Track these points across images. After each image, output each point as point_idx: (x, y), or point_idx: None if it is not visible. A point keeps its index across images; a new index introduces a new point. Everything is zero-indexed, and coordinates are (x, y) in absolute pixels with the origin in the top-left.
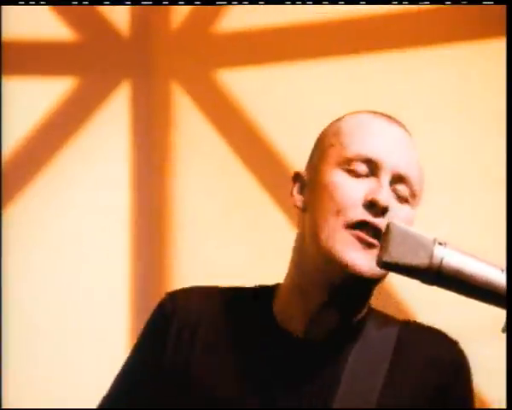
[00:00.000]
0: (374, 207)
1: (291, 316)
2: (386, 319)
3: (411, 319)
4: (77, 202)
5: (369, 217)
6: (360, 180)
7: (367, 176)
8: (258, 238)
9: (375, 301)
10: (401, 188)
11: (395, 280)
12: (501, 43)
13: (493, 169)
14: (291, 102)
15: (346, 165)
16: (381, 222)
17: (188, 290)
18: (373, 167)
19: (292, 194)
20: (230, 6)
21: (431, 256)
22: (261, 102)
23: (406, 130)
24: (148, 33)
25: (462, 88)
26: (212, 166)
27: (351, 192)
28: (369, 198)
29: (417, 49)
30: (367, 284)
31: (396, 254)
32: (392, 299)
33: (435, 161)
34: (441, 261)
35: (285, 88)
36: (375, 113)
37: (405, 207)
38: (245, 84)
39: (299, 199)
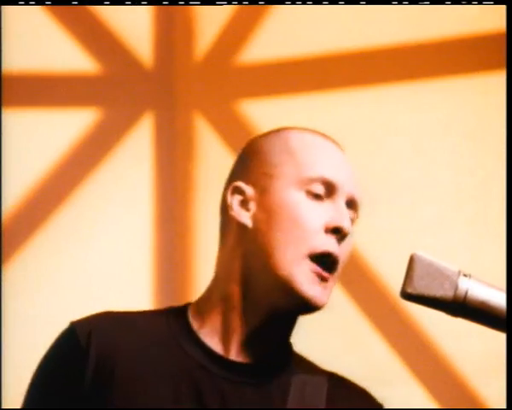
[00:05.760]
0: (337, 233)
1: (223, 336)
2: (312, 365)
3: (334, 372)
4: (100, 235)
5: (331, 247)
6: (319, 203)
7: (322, 198)
8: None
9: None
10: (351, 212)
11: (415, 309)
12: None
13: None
14: None
15: (305, 185)
16: (339, 250)
17: (98, 318)
18: (330, 190)
19: (230, 207)
20: (251, 36)
21: (456, 288)
22: None
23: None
24: (171, 65)
25: (474, 119)
26: None
27: (313, 217)
28: (334, 225)
29: (432, 81)
30: (313, 311)
31: (420, 285)
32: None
33: (448, 192)
34: (466, 293)
35: (306, 119)
36: (318, 133)
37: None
38: (267, 115)
39: (243, 214)
